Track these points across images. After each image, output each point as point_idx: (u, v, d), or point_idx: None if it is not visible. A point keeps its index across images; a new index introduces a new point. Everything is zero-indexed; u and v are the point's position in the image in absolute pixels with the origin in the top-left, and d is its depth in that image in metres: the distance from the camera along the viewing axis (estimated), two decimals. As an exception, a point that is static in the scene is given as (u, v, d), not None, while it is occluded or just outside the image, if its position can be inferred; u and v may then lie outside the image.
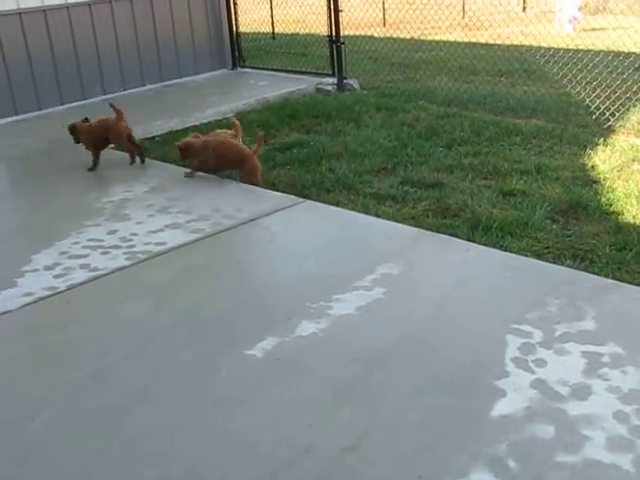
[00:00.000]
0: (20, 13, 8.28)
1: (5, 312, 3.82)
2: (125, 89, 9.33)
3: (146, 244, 4.55)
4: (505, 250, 4.28)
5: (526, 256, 4.18)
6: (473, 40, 11.24)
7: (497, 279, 3.84)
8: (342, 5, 9.04)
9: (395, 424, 2.74)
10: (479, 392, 2.89)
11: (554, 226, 4.70)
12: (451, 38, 12.04)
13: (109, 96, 9.15)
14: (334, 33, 9.05)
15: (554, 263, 4.11)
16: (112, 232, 4.79)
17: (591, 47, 9.04)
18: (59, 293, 4.00)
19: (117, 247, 4.54)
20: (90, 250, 4.53)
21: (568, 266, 4.06)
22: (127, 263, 4.31)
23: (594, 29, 12.34)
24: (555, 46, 9.87)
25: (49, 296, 3.97)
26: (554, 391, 2.83)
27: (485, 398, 2.84)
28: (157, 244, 4.54)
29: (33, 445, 2.77)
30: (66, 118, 7.99)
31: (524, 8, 17.50)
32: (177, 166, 6.19)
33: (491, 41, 10.49)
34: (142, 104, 8.72)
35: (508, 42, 10.41)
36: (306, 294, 3.73)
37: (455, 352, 3.17)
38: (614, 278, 3.87)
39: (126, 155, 6.40)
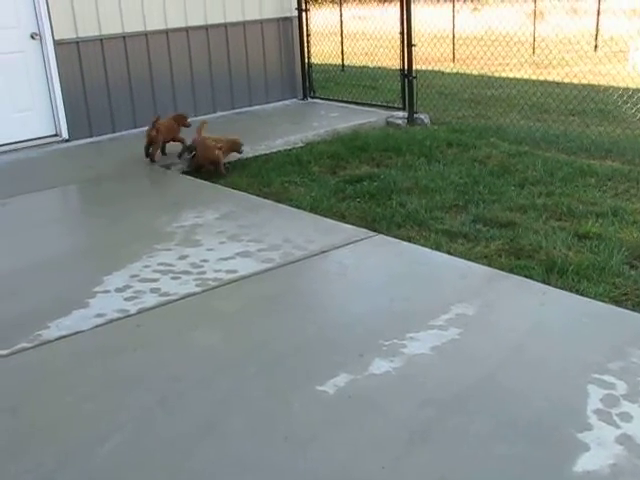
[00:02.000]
0: (102, 39, 8.53)
1: (77, 332, 3.86)
2: (197, 115, 9.45)
3: (217, 271, 4.55)
4: (582, 295, 4.14)
5: (604, 302, 4.04)
6: (544, 78, 11.10)
7: (576, 325, 3.71)
8: (414, 39, 9.03)
9: (472, 471, 2.64)
10: (560, 443, 2.77)
11: (632, 272, 4.53)
12: (521, 75, 11.91)
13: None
14: (406, 67, 9.03)
15: (634, 311, 3.96)
16: (183, 257, 4.81)
17: (666, 88, 8.85)
18: (130, 316, 4.02)
19: (188, 273, 4.55)
20: (160, 274, 4.55)
21: (649, 315, 3.91)
22: (198, 290, 4.31)
23: (668, 70, 12.11)
24: (629, 86, 9.68)
25: (120, 318, 4.00)
26: (642, 449, 2.70)
27: (567, 450, 2.72)
28: (228, 272, 4.53)
29: (102, 471, 2.76)
30: (140, 141, 8.16)
31: (595, 47, 17.28)
32: (247, 194, 6.22)
33: (564, 79, 10.35)
34: (213, 131, 8.80)
35: (584, 81, 10.24)
36: (379, 331, 3.67)
37: (534, 399, 3.06)
38: (699, 330, 3.71)
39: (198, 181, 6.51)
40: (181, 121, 7.63)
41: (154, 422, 3.06)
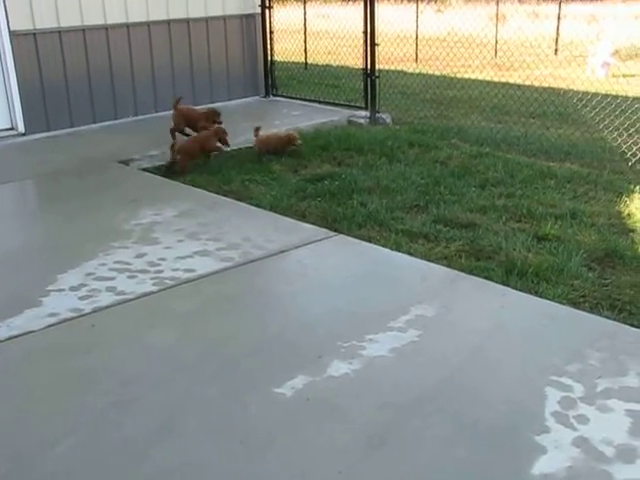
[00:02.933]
0: (60, 32, 8.35)
1: (28, 332, 3.75)
2: (157, 111, 9.33)
3: (174, 270, 4.48)
4: (541, 296, 4.16)
5: (562, 304, 4.06)
6: (505, 80, 11.18)
7: (535, 327, 3.72)
8: (377, 39, 9.01)
9: (431, 475, 2.63)
10: (518, 447, 2.76)
11: (590, 274, 4.57)
12: (482, 77, 12.00)
13: (141, 117, 9.19)
14: (369, 66, 9.01)
15: (591, 313, 3.98)
16: (140, 255, 4.72)
17: (622, 93, 8.97)
18: (84, 315, 3.93)
19: (145, 271, 4.47)
20: (117, 273, 4.46)
21: (606, 317, 3.93)
22: (154, 289, 4.23)
23: (625, 75, 12.30)
24: (588, 90, 9.80)
25: (74, 318, 3.90)
26: (598, 451, 2.70)
27: (525, 454, 2.71)
28: (186, 270, 4.46)
29: (54, 475, 2.68)
30: (98, 137, 8.03)
31: (556, 51, 17.50)
32: (207, 191, 6.14)
33: (524, 82, 10.44)
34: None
35: (545, 84, 10.34)
36: (338, 332, 3.63)
37: (493, 401, 3.06)
38: (655, 332, 3.74)
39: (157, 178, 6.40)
40: (213, 117, 7.64)
41: (108, 424, 2.98)
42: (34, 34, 8.19)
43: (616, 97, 8.55)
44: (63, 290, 4.24)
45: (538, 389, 3.12)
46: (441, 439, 2.82)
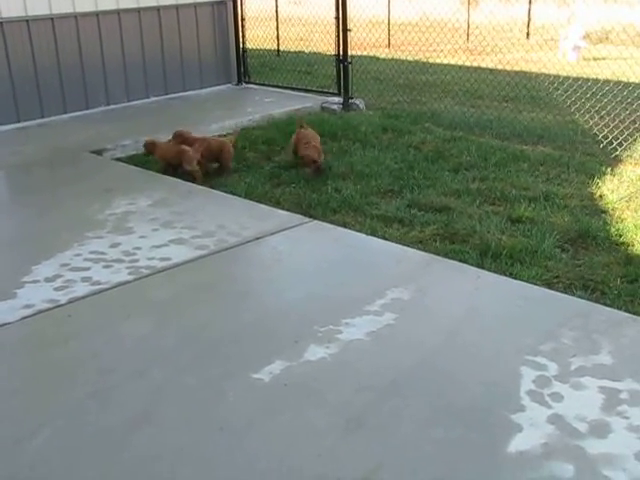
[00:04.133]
0: (28, 20, 8.22)
1: (3, 324, 3.72)
2: (129, 100, 9.26)
3: (150, 259, 4.46)
4: (515, 278, 4.20)
5: (536, 285, 4.11)
6: (477, 64, 11.24)
7: (509, 308, 3.76)
8: (349, 25, 9.00)
9: (409, 456, 2.65)
10: (494, 425, 2.80)
11: (563, 255, 4.63)
12: (455, 61, 12.04)
13: (112, 107, 9.11)
14: (342, 52, 9.00)
15: (565, 293, 4.04)
16: (115, 245, 4.70)
17: (593, 75, 9.05)
18: (60, 306, 3.90)
19: (120, 261, 4.44)
20: (92, 263, 4.43)
21: (579, 297, 3.99)
22: (130, 278, 4.21)
23: (595, 58, 12.40)
24: (559, 73, 9.88)
25: (49, 309, 3.87)
26: (572, 427, 2.75)
27: (501, 432, 2.75)
28: (161, 259, 4.44)
29: (31, 467, 2.67)
30: (69, 127, 7.95)
31: (527, 35, 17.58)
32: (181, 180, 6.12)
33: (496, 66, 10.50)
34: (146, 116, 8.67)
35: (517, 68, 10.41)
36: (314, 317, 3.65)
37: (469, 382, 3.09)
38: (627, 311, 3.80)
39: (130, 168, 6.35)
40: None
41: (86, 415, 2.97)
42: (1, 23, 8.05)
43: (587, 80, 8.61)
44: (38, 281, 4.20)
45: (513, 369, 3.16)
46: (418, 420, 2.85)
